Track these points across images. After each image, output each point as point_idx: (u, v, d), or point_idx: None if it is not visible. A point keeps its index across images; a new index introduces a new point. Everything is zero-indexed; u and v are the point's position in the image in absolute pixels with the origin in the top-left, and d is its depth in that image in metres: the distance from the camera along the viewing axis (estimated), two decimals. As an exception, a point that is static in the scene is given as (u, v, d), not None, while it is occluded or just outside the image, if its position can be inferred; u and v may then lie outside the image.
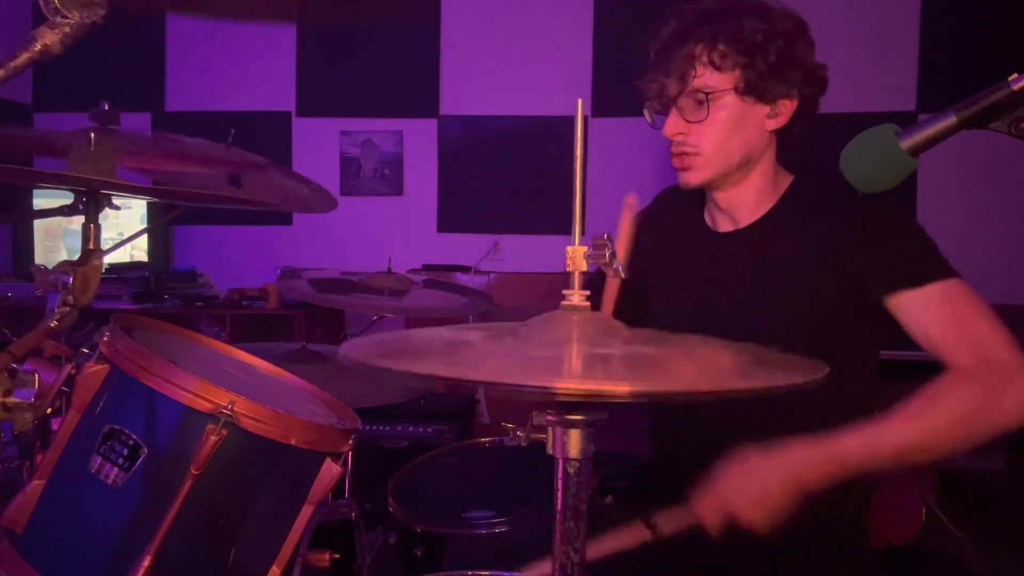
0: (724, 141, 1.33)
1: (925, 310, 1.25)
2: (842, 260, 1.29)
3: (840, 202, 1.33)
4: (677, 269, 1.47)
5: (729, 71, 1.30)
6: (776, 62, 1.30)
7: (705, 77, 1.31)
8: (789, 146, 1.40)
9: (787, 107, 1.34)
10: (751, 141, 1.35)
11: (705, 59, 1.30)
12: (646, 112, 1.40)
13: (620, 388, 0.65)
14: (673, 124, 1.34)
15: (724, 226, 1.43)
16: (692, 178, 1.37)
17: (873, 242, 1.28)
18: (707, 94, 1.31)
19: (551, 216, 3.86)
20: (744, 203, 1.40)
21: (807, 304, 1.32)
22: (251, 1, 1.03)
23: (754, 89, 1.31)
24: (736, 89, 1.31)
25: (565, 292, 0.80)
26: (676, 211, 1.52)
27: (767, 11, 1.33)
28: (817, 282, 1.31)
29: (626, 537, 1.21)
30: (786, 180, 1.42)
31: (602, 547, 1.18)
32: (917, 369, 1.29)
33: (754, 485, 1.14)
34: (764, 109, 1.34)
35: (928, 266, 1.27)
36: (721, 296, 1.39)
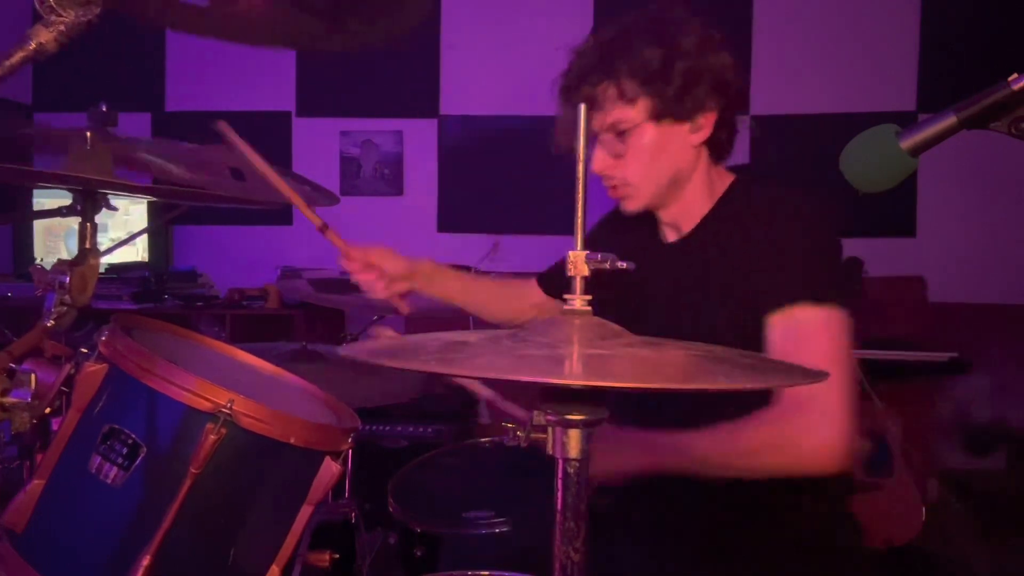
0: (650, 169, 1.34)
1: (789, 332, 1.22)
2: (746, 272, 1.28)
3: (765, 204, 1.33)
4: (635, 280, 1.46)
5: (640, 101, 1.29)
6: (683, 83, 1.28)
7: (616, 112, 1.30)
8: (723, 145, 1.38)
9: (707, 119, 1.32)
10: (678, 161, 1.35)
11: (613, 94, 1.29)
12: (555, 149, 1.38)
13: (620, 382, 0.65)
14: (599, 161, 1.35)
15: (671, 236, 1.44)
16: (632, 205, 1.38)
17: (769, 258, 1.26)
18: (623, 130, 1.31)
19: (551, 216, 3.86)
20: (685, 214, 1.40)
21: (732, 310, 1.30)
22: (251, 25, 1.04)
23: (668, 113, 1.30)
24: (652, 117, 1.30)
25: (567, 296, 0.80)
26: (632, 225, 1.50)
27: (664, 31, 1.30)
28: (729, 292, 1.30)
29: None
30: (724, 182, 1.40)
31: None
32: (911, 369, 1.29)
33: (605, 454, 1.12)
34: (684, 127, 1.32)
35: (815, 288, 1.23)
36: (661, 305, 1.40)
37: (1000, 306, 3.64)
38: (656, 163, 1.33)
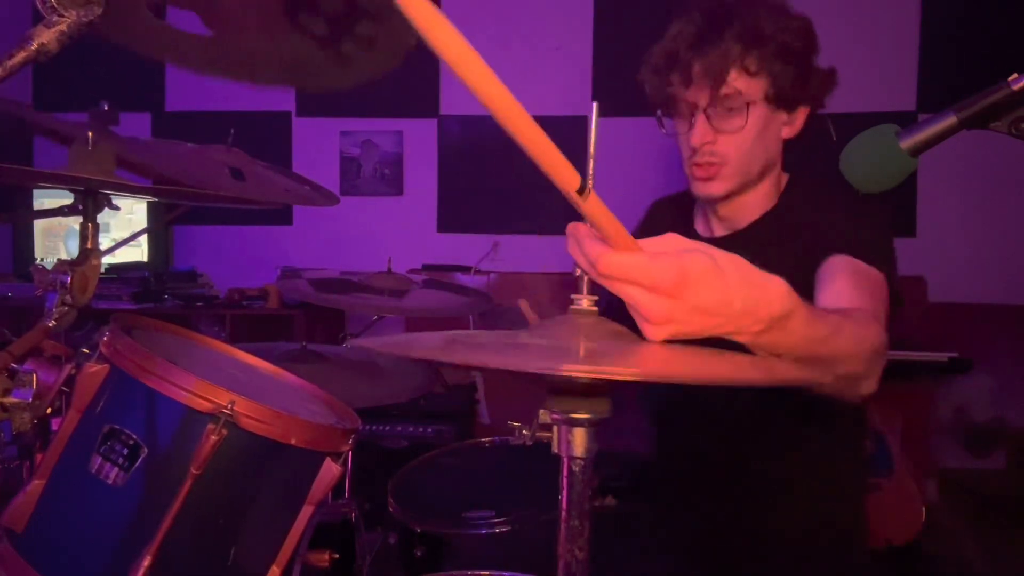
0: (751, 151, 1.29)
1: (846, 273, 1.16)
2: (812, 254, 1.24)
3: (829, 201, 1.31)
4: None
5: (762, 78, 1.25)
6: (802, 72, 1.26)
7: (739, 83, 1.24)
8: (796, 145, 1.38)
9: (802, 114, 1.31)
10: (770, 150, 1.32)
11: (740, 64, 1.23)
12: (658, 118, 1.33)
13: (626, 371, 0.64)
14: (702, 133, 1.27)
15: (719, 230, 1.41)
16: (716, 188, 1.31)
17: (840, 235, 1.22)
18: (747, 103, 1.25)
19: (551, 216, 3.85)
20: (747, 209, 1.37)
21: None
22: (251, 58, 1.04)
23: (781, 97, 1.27)
24: (766, 97, 1.26)
25: (574, 296, 0.80)
26: (669, 223, 1.50)
27: (791, 18, 1.27)
28: (803, 284, 1.29)
29: None
30: (783, 181, 1.40)
31: None
32: (911, 369, 1.28)
33: (718, 288, 1.01)
34: (783, 117, 1.30)
35: (878, 253, 1.20)
36: None
37: (1000, 306, 3.64)
38: (757, 146, 1.29)
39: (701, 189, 1.33)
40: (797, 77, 1.25)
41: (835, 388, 0.99)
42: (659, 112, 1.33)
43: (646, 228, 1.57)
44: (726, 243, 1.40)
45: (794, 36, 1.25)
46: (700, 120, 1.28)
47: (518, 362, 0.65)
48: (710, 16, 1.26)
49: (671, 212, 1.50)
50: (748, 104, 1.25)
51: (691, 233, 1.46)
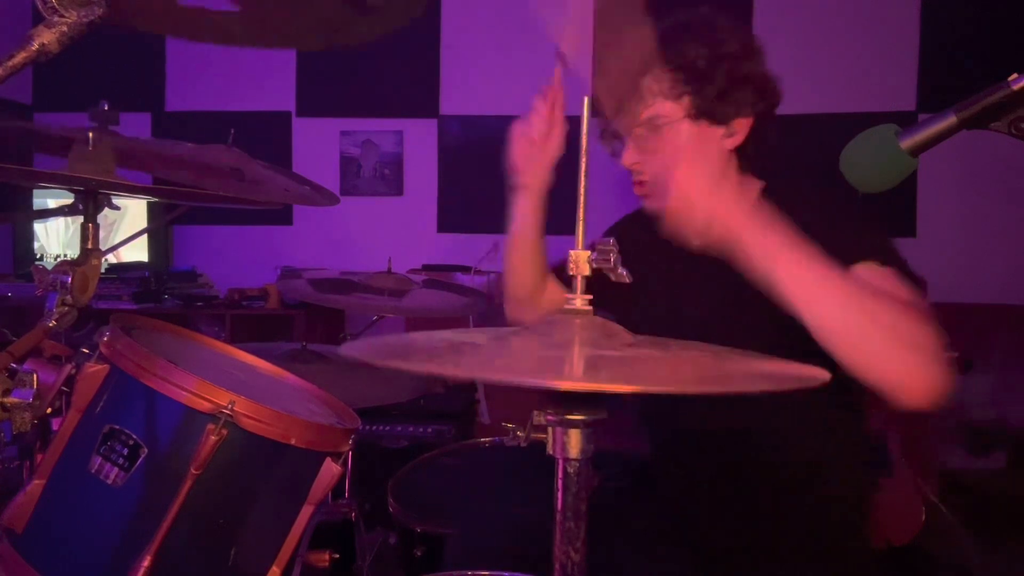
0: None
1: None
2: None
3: (807, 208, 1.29)
4: (652, 288, 1.46)
5: (682, 99, 1.30)
6: (725, 85, 1.29)
7: (656, 106, 1.31)
8: (753, 155, 1.38)
9: (742, 124, 1.33)
10: (711, 163, 1.35)
11: (655, 88, 1.30)
12: (603, 144, 1.40)
13: (622, 386, 0.64)
14: (630, 154, 1.35)
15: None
16: (655, 204, 1.37)
17: (831, 226, 1.18)
18: (659, 125, 1.31)
19: (551, 216, 3.86)
20: None
21: (784, 312, 1.30)
22: (250, 28, 1.03)
23: (707, 114, 1.30)
24: (689, 115, 1.30)
25: (567, 296, 0.80)
26: (645, 230, 1.50)
27: (711, 33, 1.32)
28: None
29: None
30: (755, 188, 1.39)
31: None
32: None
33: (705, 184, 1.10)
34: (719, 130, 1.33)
35: (865, 249, 1.18)
36: (696, 309, 1.38)
37: (1000, 306, 3.64)
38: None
39: (645, 204, 1.40)
40: (718, 94, 1.29)
41: (867, 377, 1.02)
42: (602, 142, 1.40)
43: (634, 218, 1.56)
44: (701, 253, 1.40)
45: (710, 57, 1.29)
46: (628, 143, 1.35)
47: (514, 376, 0.65)
48: (627, 48, 1.33)
49: (648, 220, 1.48)
50: (663, 126, 1.31)
51: (669, 240, 1.46)
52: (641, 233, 1.48)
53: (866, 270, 1.15)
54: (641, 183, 1.37)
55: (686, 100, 1.30)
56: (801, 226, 1.21)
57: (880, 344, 1.04)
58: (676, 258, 1.42)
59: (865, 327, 1.03)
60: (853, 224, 1.25)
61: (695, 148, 1.32)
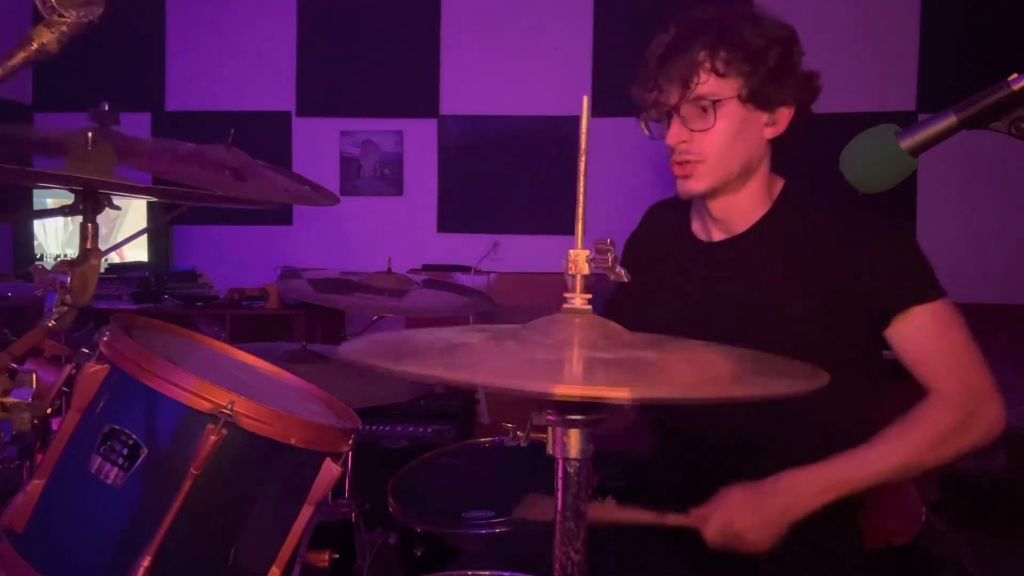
0: (727, 149, 1.34)
1: (926, 331, 1.30)
2: (844, 271, 1.30)
3: (834, 207, 1.36)
4: (671, 282, 1.47)
5: (732, 78, 1.31)
6: (776, 69, 1.31)
7: (709, 84, 1.31)
8: (785, 148, 1.40)
9: (784, 115, 1.35)
10: (751, 149, 1.36)
11: (708, 66, 1.31)
12: (642, 122, 1.40)
13: (619, 393, 0.65)
14: (676, 132, 1.34)
15: (717, 235, 1.43)
16: (694, 186, 1.36)
17: (881, 257, 1.31)
18: (713, 101, 1.31)
19: (551, 216, 3.86)
20: (739, 211, 1.40)
21: (805, 311, 1.32)
22: None
23: (756, 96, 1.32)
24: (739, 96, 1.32)
25: (567, 295, 0.80)
26: (666, 225, 1.53)
27: (762, 19, 1.35)
28: (815, 290, 1.32)
29: (633, 514, 1.26)
30: (778, 185, 1.42)
31: (606, 514, 1.22)
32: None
33: (755, 512, 1.22)
34: (763, 117, 1.35)
35: (933, 283, 1.32)
36: (717, 305, 1.39)
37: (1000, 306, 3.64)
38: (734, 145, 1.34)
39: (682, 186, 1.38)
40: (770, 78, 1.31)
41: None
42: (643, 118, 1.40)
43: (644, 229, 1.58)
44: (723, 248, 1.41)
45: (765, 40, 1.31)
46: (675, 121, 1.34)
47: (513, 382, 0.65)
48: (682, 26, 1.35)
49: (669, 215, 1.52)
50: (715, 103, 1.31)
51: (687, 236, 1.47)
52: (662, 227, 1.51)
53: (924, 315, 1.30)
54: (684, 163, 1.36)
55: (739, 80, 1.31)
56: (827, 244, 1.27)
57: (947, 457, 1.29)
58: (701, 247, 1.44)
59: (930, 463, 1.29)
60: (914, 257, 1.34)
61: (738, 132, 1.33)
